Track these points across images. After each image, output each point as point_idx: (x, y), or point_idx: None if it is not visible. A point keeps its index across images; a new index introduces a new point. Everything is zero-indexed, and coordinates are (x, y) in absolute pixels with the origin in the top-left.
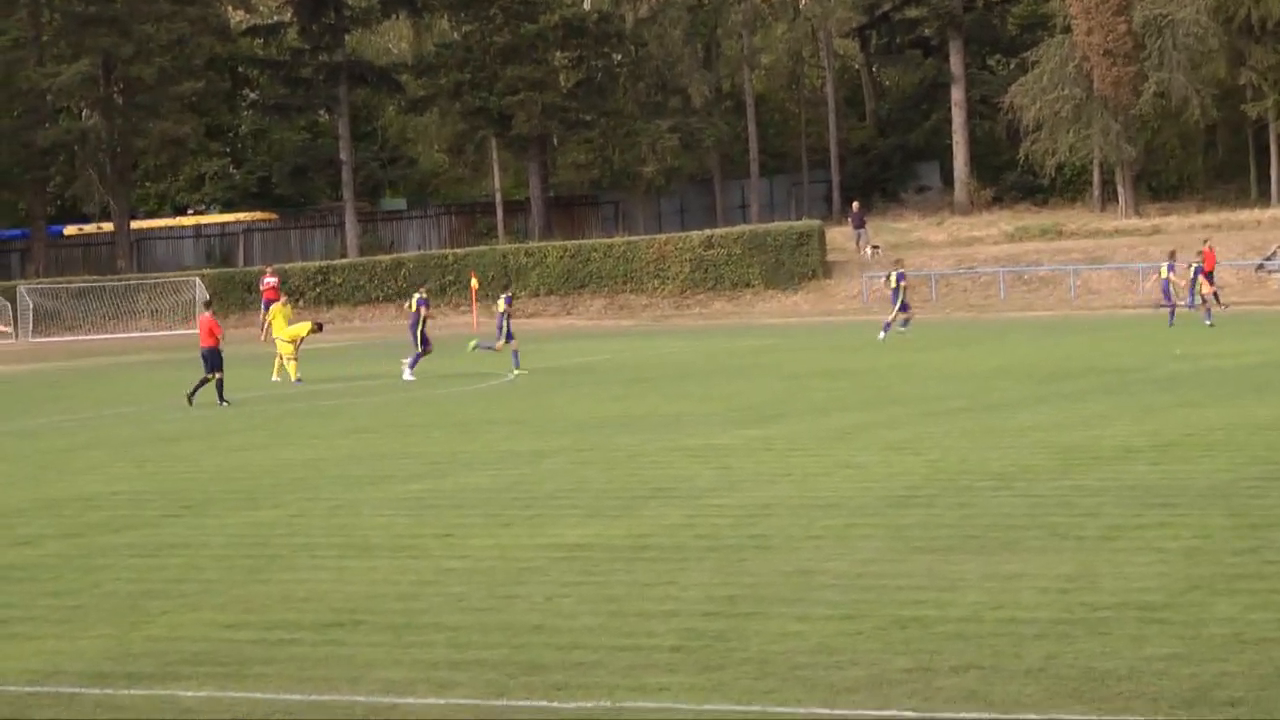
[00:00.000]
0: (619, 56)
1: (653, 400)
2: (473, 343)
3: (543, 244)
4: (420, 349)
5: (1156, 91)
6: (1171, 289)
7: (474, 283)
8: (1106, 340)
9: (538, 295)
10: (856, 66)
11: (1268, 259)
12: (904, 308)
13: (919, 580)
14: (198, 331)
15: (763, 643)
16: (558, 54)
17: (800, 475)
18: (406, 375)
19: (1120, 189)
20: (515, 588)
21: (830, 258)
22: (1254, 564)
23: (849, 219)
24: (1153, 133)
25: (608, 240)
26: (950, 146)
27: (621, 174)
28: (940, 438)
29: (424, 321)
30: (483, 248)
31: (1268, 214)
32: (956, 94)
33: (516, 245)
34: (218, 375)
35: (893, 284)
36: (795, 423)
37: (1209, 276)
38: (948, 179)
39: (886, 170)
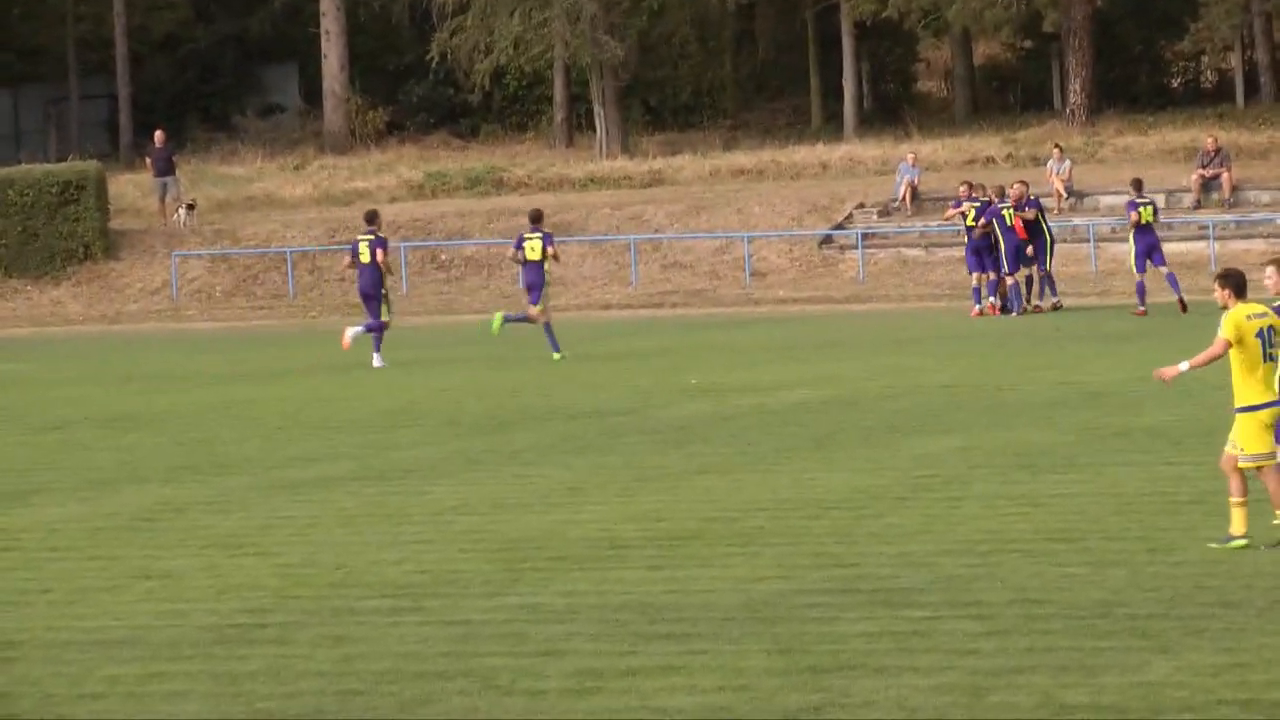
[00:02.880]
0: None
1: None
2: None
3: None
4: None
5: None
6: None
7: None
8: (579, 363)
9: None
10: None
11: (837, 229)
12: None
13: None
14: None
15: None
16: None
17: (66, 592)
18: None
19: (598, 110)
20: None
21: (117, 224)
22: None
23: (148, 160)
24: (651, 18)
25: None
26: (316, 39)
27: None
28: (303, 527)
29: None
30: None
31: (838, 152)
32: None
33: None
34: None
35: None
36: (58, 504)
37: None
38: (313, 94)
39: (211, 79)
